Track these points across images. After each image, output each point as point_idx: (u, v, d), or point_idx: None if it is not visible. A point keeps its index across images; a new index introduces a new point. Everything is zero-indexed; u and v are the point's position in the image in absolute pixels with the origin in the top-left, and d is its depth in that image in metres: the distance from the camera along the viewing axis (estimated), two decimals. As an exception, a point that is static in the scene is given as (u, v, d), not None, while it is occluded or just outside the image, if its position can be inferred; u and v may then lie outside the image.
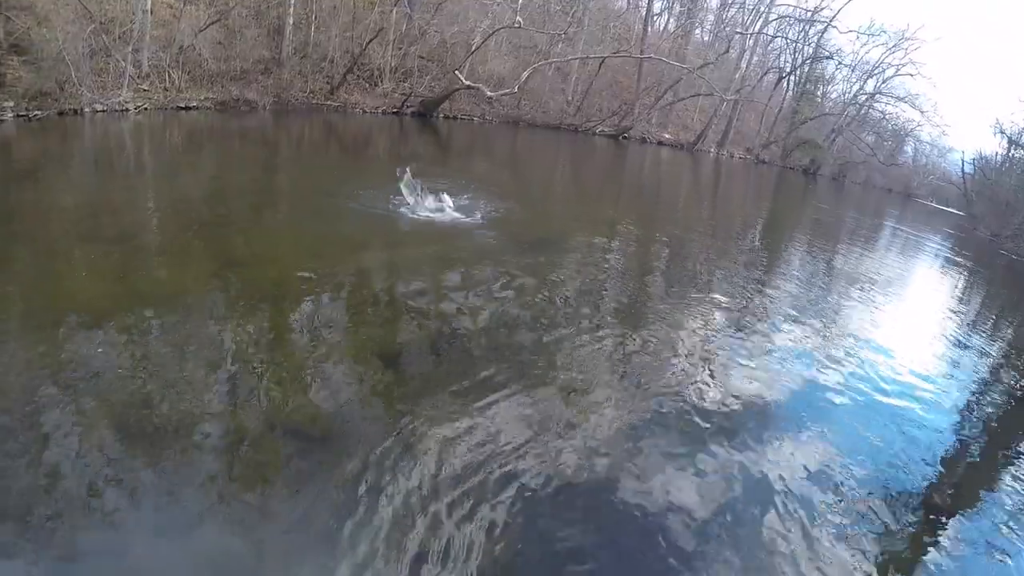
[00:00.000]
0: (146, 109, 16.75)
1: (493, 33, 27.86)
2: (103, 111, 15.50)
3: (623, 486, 4.58)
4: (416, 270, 8.32)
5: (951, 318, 12.49)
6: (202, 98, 18.69)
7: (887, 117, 49.89)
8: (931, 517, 5.00)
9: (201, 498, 3.80)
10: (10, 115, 13.33)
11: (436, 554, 3.71)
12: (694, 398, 6.07)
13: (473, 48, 27.31)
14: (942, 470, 5.82)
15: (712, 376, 6.68)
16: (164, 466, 3.97)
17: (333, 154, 17.84)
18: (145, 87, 17.21)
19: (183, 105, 17.98)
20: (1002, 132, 35.51)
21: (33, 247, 7.16)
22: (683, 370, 6.74)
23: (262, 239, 8.75)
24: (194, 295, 6.35)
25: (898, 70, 45.55)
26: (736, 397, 6.27)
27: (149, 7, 17.21)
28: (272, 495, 3.93)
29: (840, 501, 4.87)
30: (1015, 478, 6.01)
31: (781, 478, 4.99)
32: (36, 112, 13.78)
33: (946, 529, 4.93)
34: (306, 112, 22.63)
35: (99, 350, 5.11)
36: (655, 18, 43.27)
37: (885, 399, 7.06)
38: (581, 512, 4.25)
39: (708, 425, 5.58)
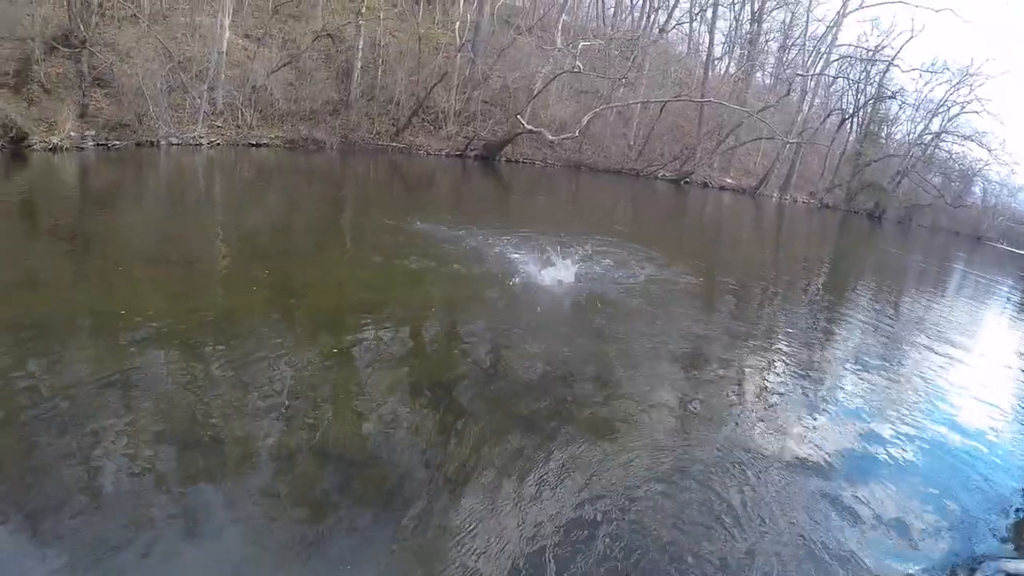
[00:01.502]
0: (218, 144, 17.04)
1: (555, 78, 27.86)
2: (178, 144, 15.79)
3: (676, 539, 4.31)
4: (471, 307, 8.23)
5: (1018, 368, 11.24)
6: (272, 136, 18.95)
7: (954, 157, 47.93)
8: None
9: (246, 514, 3.84)
10: (91, 143, 13.67)
11: None
12: (752, 447, 5.67)
13: (535, 93, 27.37)
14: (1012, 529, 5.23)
15: (771, 427, 6.20)
16: (212, 481, 4.04)
17: (398, 193, 17.75)
18: (218, 123, 17.56)
19: (254, 142, 18.26)
20: (1070, 167, 33.78)
21: (104, 266, 7.58)
22: (743, 419, 6.30)
23: (322, 270, 8.88)
24: (252, 320, 6.50)
25: (963, 107, 44.05)
26: (795, 451, 5.76)
27: (224, 48, 17.70)
28: (316, 517, 3.93)
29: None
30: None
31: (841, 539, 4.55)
32: (115, 142, 14.09)
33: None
34: (371, 152, 22.83)
35: (158, 364, 5.30)
36: (715, 62, 43.24)
37: (951, 454, 6.39)
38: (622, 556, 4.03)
39: (765, 480, 5.17)
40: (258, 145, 18.29)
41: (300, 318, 6.81)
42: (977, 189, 53.42)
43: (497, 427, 5.26)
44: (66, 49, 14.62)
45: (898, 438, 6.38)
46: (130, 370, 5.07)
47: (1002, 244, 52.18)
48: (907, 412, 7.14)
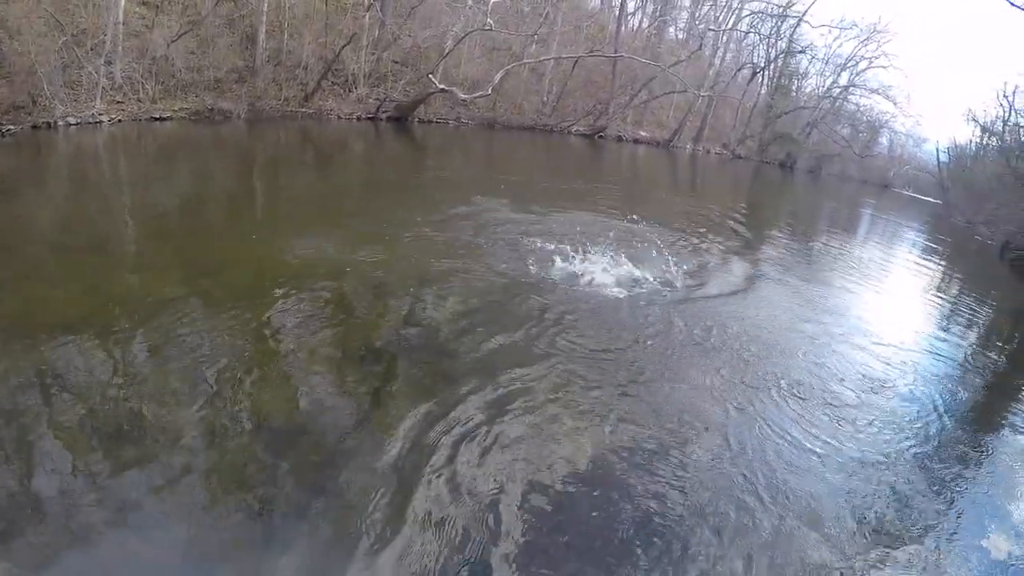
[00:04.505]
0: (120, 121, 16.85)
1: (465, 36, 27.95)
2: (77, 124, 15.59)
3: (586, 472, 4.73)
4: (387, 275, 8.26)
5: (930, 301, 13.42)
6: (176, 109, 18.77)
7: (861, 109, 50.64)
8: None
9: (185, 500, 3.90)
10: (-18, 130, 13.42)
11: (406, 544, 3.81)
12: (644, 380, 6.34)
13: (446, 51, 27.47)
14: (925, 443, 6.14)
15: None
16: (144, 469, 4.06)
17: (308, 162, 18.02)
18: (118, 99, 17.29)
19: (157, 116, 18.05)
20: (975, 121, 36.29)
21: (7, 259, 7.22)
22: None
23: (235, 246, 8.81)
24: (168, 302, 6.39)
25: (871, 62, 46.31)
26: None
27: (121, 18, 17.27)
28: (253, 495, 4.03)
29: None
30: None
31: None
32: (9, 127, 13.83)
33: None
34: (280, 120, 22.68)
35: (76, 358, 5.19)
36: (628, 17, 43.65)
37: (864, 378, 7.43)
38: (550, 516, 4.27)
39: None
40: (162, 119, 18.11)
41: (217, 296, 6.75)
42: (884, 140, 56.67)
43: (428, 385, 5.46)
44: (-49, 27, 14.25)
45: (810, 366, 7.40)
46: (45, 365, 5.00)
47: (908, 191, 55.20)
48: (821, 345, 8.25)
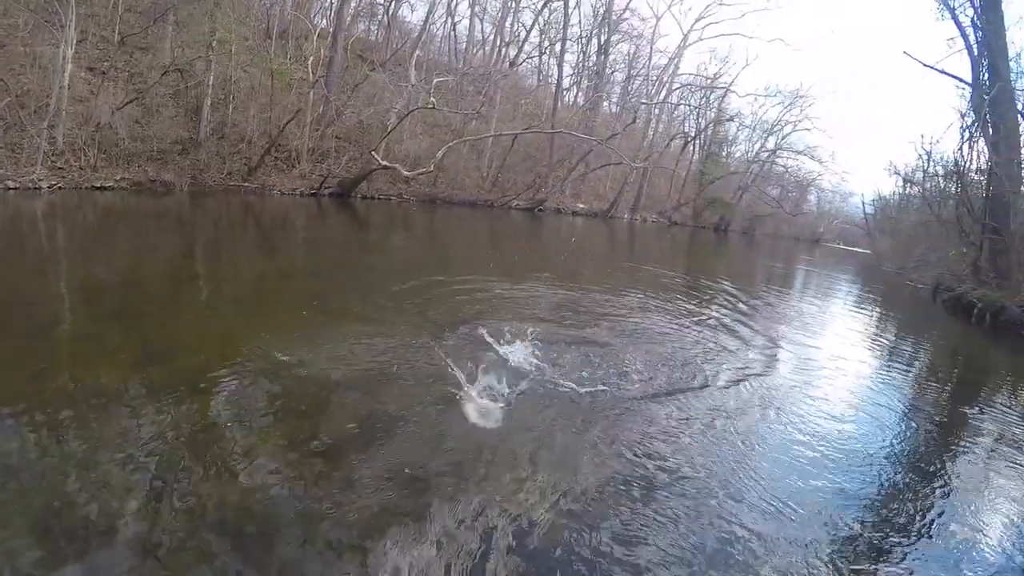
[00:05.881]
0: (60, 188, 16.50)
1: (408, 114, 28.61)
2: (16, 188, 15.20)
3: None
4: (346, 355, 7.95)
5: (869, 346, 13.49)
6: (118, 178, 18.53)
7: (789, 170, 53.58)
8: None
9: None
10: (-84, 191, 12.95)
11: None
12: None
13: (389, 129, 27.97)
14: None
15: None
16: (85, 569, 3.80)
17: (250, 237, 17.67)
18: (60, 165, 17.01)
19: (98, 185, 17.77)
20: (896, 172, 37.94)
21: None
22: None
23: (181, 329, 8.45)
24: (113, 390, 6.05)
25: (795, 126, 49.40)
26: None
27: (67, 83, 17.15)
28: None
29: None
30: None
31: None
32: (-55, 189, 13.40)
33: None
34: (223, 193, 22.57)
35: (13, 449, 4.88)
36: (564, 93, 45.59)
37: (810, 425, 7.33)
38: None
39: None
40: (103, 188, 17.79)
41: (163, 382, 6.35)
42: (812, 197, 59.90)
43: (378, 474, 5.19)
44: None
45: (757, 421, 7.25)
46: None
47: (839, 244, 57.75)
48: (763, 397, 8.13)
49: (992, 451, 7.57)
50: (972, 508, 5.82)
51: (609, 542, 4.51)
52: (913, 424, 8.28)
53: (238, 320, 9.06)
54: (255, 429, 5.71)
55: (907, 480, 6.29)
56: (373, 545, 4.29)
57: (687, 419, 6.90)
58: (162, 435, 5.31)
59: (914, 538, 5.14)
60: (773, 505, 5.27)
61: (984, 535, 5.36)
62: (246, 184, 23.92)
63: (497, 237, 27.49)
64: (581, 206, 41.55)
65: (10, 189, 15.05)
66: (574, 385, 7.30)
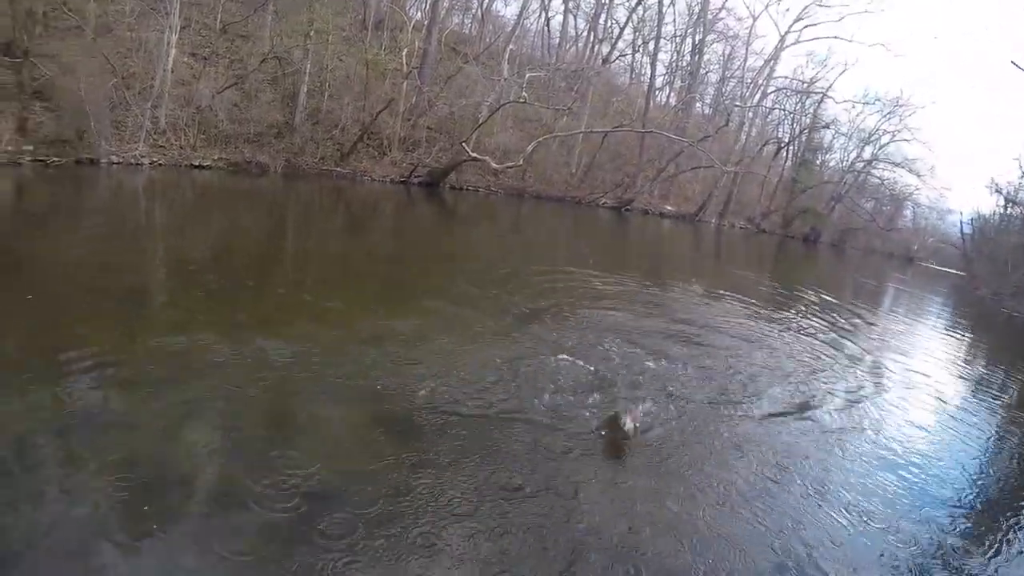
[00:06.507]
0: (160, 164, 16.92)
1: (500, 108, 28.40)
2: (119, 163, 15.64)
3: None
4: (411, 337, 7.97)
5: (957, 376, 12.56)
6: (215, 158, 18.91)
7: (885, 183, 50.39)
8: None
9: (198, 556, 3.70)
10: (28, 159, 13.41)
11: None
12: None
13: (480, 121, 27.80)
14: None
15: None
16: (162, 523, 3.84)
17: (341, 221, 17.89)
18: (161, 143, 17.45)
19: (197, 163, 18.18)
20: (998, 191, 35.73)
21: (41, 297, 7.01)
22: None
23: (270, 303, 8.69)
24: (198, 354, 6.19)
25: (894, 136, 46.41)
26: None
27: (170, 66, 17.62)
28: (263, 550, 3.82)
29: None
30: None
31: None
32: (54, 159, 13.84)
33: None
34: (316, 177, 22.86)
35: (101, 403, 5.04)
36: (656, 92, 44.57)
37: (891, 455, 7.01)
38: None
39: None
40: (201, 167, 18.17)
41: (248, 353, 6.51)
42: (908, 212, 56.26)
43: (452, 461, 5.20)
44: (7, 59, 14.50)
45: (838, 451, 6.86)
46: (71, 411, 4.85)
47: (932, 264, 54.65)
48: (847, 426, 7.68)
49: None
50: None
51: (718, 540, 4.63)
52: (1001, 456, 8.05)
53: (322, 298, 9.13)
54: (340, 406, 5.72)
55: (991, 511, 6.22)
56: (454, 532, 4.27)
57: (799, 438, 6.91)
58: (241, 400, 5.48)
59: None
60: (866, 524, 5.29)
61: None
62: (338, 169, 24.14)
63: (587, 234, 27.17)
64: (669, 208, 40.54)
65: (114, 164, 15.45)
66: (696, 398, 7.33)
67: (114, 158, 15.46)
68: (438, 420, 5.73)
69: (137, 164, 16.13)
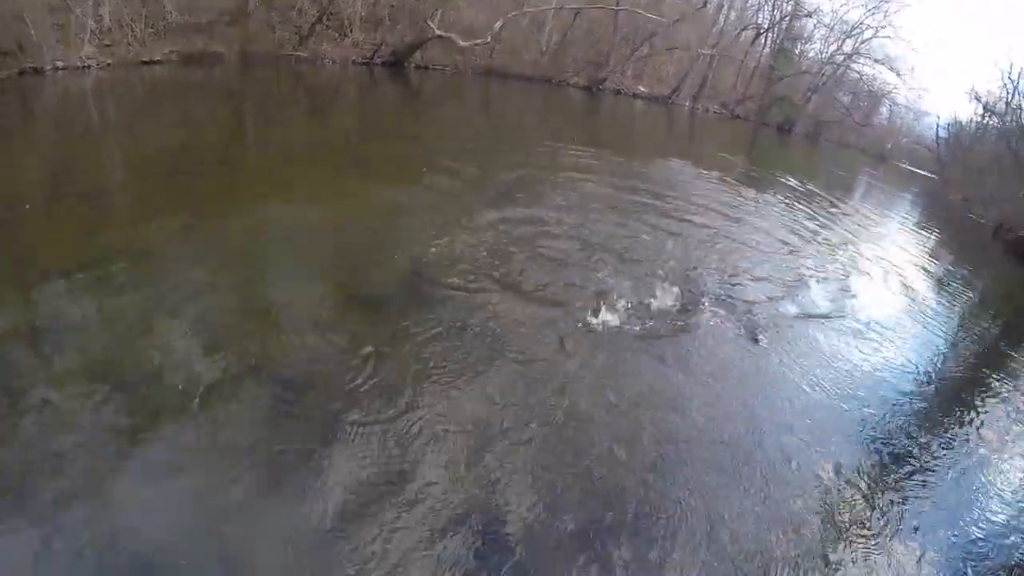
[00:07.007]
0: (109, 65, 16.66)
1: (467, -19, 27.38)
2: (65, 69, 15.45)
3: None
4: (381, 213, 8.35)
5: (925, 269, 14.21)
6: (166, 51, 18.49)
7: (864, 78, 49.67)
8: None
9: (181, 444, 3.97)
10: (-33, 76, 13.32)
11: (409, 492, 4.02)
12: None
13: (445, -5, 26.80)
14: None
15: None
16: (142, 415, 4.09)
17: (301, 107, 17.77)
18: (107, 42, 17.03)
19: (147, 60, 17.83)
20: (977, 99, 35.84)
21: None
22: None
23: (233, 192, 8.78)
24: (163, 248, 6.35)
25: (877, 32, 45.26)
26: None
27: (110, -42, 16.91)
28: (251, 437, 4.11)
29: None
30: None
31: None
32: (-5, 72, 13.75)
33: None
34: (274, 63, 22.37)
35: (70, 306, 5.16)
36: (633, -31, 42.64)
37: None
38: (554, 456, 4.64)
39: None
40: (151, 63, 17.91)
41: (216, 243, 6.66)
42: (884, 110, 55.67)
43: (434, 336, 5.54)
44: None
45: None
46: (40, 315, 4.96)
47: (905, 164, 54.87)
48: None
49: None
50: (989, 451, 6.46)
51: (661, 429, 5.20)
52: (951, 358, 9.00)
53: (284, 183, 9.22)
54: (310, 288, 6.08)
55: (935, 410, 7.00)
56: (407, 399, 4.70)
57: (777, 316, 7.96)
58: (210, 289, 5.74)
59: (922, 468, 5.77)
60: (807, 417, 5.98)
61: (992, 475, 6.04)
62: (297, 53, 23.57)
63: (559, 115, 27.56)
64: (642, 89, 40.03)
65: (60, 70, 15.29)
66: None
67: (59, 63, 15.27)
68: (416, 295, 6.13)
69: (84, 67, 15.91)
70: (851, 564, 4.50)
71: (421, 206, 8.76)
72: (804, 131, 47.85)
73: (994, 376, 8.57)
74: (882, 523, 4.92)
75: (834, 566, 4.42)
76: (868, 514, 4.97)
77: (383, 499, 3.98)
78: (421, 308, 5.95)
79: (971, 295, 13.51)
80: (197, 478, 3.84)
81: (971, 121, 41.02)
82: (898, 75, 46.42)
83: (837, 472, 5.29)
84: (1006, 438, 6.85)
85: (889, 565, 4.55)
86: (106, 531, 3.47)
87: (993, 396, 7.92)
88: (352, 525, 3.77)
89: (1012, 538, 5.21)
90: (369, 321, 5.58)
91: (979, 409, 7.32)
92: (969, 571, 4.75)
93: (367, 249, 7.08)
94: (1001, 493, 5.76)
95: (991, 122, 35.47)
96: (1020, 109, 28.80)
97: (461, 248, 7.50)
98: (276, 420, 4.30)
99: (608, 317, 6.50)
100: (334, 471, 4.05)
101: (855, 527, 4.80)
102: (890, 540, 4.77)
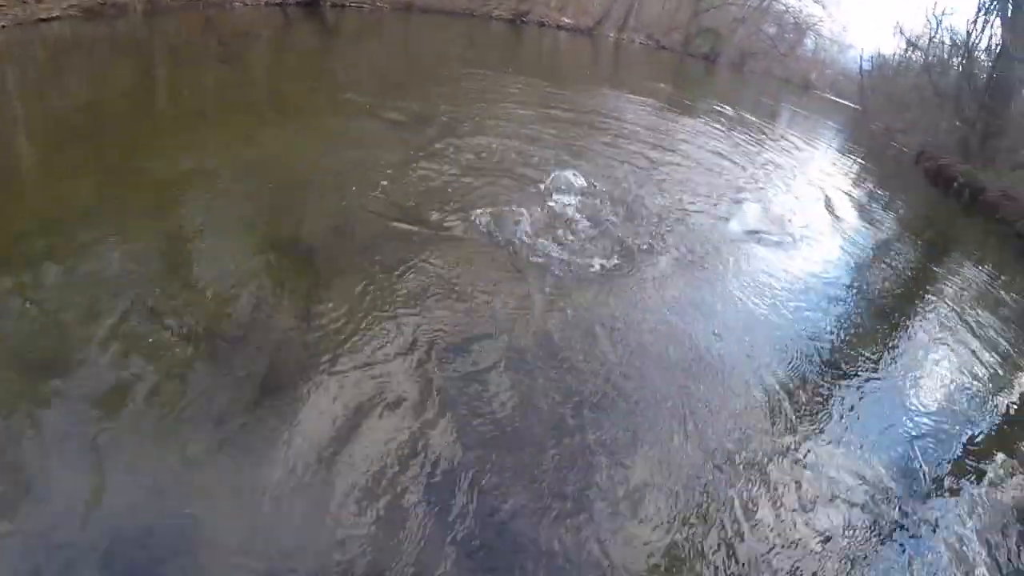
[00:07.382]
0: (3, 27, 14.79)
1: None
2: (-46, 34, 13.63)
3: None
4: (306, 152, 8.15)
5: (848, 192, 14.91)
6: (65, 6, 16.54)
7: (789, 10, 50.71)
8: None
9: (131, 421, 3.75)
10: None
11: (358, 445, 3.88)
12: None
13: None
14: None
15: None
16: (81, 397, 3.84)
17: (213, 54, 16.63)
18: (1, 2, 15.10)
19: (44, 16, 15.90)
20: (901, 33, 36.52)
21: None
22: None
23: (144, 146, 8.16)
24: (78, 211, 6.00)
25: (804, -37, 45.74)
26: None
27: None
28: (187, 400, 3.92)
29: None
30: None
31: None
32: None
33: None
34: (181, 11, 20.44)
35: None
36: None
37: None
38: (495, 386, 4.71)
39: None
40: (49, 19, 16.02)
41: (129, 199, 6.34)
42: (809, 42, 56.60)
43: (365, 276, 5.47)
44: None
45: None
46: None
47: (829, 94, 56.17)
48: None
49: (948, 314, 8.74)
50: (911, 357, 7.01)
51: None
52: (881, 272, 9.69)
53: (200, 134, 8.83)
54: (236, 239, 5.85)
55: (860, 324, 7.52)
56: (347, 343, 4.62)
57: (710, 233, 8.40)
58: (142, 256, 5.40)
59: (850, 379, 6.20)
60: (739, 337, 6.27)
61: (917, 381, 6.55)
62: (204, -2, 21.61)
63: (483, 45, 27.57)
64: (566, 20, 39.13)
65: (-52, 35, 13.48)
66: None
67: (-56, 30, 13.48)
68: (350, 239, 6.05)
69: (-28, 32, 14.13)
70: (796, 450, 4.89)
71: (347, 144, 8.64)
72: (729, 61, 47.93)
73: (920, 289, 9.44)
74: (825, 417, 5.39)
75: (784, 451, 4.83)
76: (812, 409, 5.45)
77: (338, 446, 3.88)
78: (364, 251, 5.91)
79: (896, 216, 14.43)
80: (131, 451, 3.61)
81: (894, 55, 41.91)
82: (824, 8, 47.28)
83: (775, 376, 5.70)
84: (937, 338, 7.61)
85: (832, 456, 4.96)
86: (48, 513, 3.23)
87: (922, 305, 8.73)
88: (307, 478, 3.65)
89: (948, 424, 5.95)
90: (298, 271, 5.49)
91: (909, 315, 8.13)
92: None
93: (299, 193, 6.95)
94: (933, 390, 6.43)
95: (914, 56, 36.29)
96: (942, 44, 29.66)
97: (396, 187, 7.47)
98: (217, 380, 4.13)
99: (553, 245, 6.65)
100: (284, 428, 3.92)
101: (799, 420, 5.22)
102: (836, 432, 5.22)
